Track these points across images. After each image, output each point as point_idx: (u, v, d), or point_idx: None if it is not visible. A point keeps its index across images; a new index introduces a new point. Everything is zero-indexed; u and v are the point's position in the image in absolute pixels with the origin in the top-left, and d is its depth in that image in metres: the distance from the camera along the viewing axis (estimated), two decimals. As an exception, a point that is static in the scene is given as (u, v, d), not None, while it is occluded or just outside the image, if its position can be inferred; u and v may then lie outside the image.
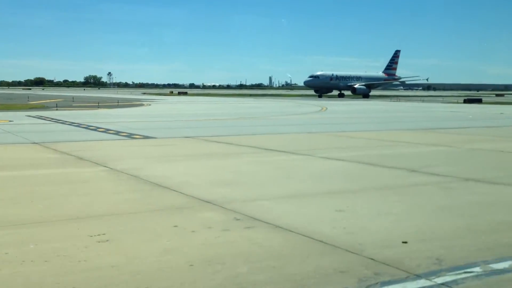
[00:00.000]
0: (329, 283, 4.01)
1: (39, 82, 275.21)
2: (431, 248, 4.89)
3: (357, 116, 31.09)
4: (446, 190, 7.89)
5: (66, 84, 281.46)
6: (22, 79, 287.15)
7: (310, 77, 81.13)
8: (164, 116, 29.60)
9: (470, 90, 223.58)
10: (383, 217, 6.17)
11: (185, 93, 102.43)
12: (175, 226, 5.62)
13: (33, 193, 7.44)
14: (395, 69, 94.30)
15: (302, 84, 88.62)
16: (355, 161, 11.21)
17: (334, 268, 4.33)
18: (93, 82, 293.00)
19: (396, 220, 6.01)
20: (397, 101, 64.88)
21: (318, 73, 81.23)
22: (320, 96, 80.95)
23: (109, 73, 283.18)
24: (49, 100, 52.27)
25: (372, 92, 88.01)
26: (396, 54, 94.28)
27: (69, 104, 44.57)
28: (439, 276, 4.16)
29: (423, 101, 64.57)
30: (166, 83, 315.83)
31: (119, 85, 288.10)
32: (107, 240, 5.08)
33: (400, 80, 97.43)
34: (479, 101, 62.81)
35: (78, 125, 20.76)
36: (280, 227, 5.62)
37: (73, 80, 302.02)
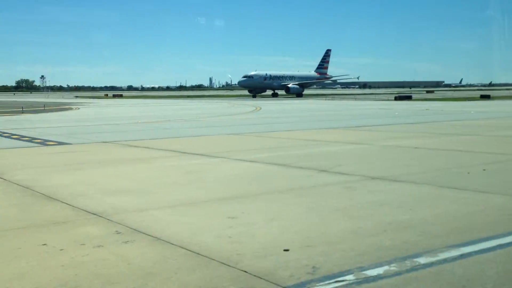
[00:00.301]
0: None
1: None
2: (311, 255, 4.68)
3: (289, 116, 31.19)
4: (348, 191, 7.77)
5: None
6: None
7: (244, 77, 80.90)
8: (89, 120, 28.62)
9: (403, 87, 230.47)
10: (275, 222, 5.93)
11: (121, 96, 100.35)
12: (44, 244, 5.17)
13: None
14: (327, 68, 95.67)
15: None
16: (269, 162, 11.01)
17: (199, 285, 4.02)
18: (25, 86, 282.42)
19: (286, 225, 5.79)
20: (331, 99, 65.85)
21: (252, 73, 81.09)
22: (254, 96, 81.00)
23: (42, 77, 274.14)
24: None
25: (309, 91, 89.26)
26: (327, 54, 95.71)
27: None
28: (308, 288, 3.93)
29: (356, 99, 65.82)
30: (103, 85, 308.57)
31: (53, 89, 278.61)
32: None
33: (332, 79, 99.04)
34: (409, 98, 64.61)
35: (-9, 133, 19.65)
36: (161, 240, 5.27)
37: (4, 84, 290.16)
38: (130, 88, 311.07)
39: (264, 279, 4.12)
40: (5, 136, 18.27)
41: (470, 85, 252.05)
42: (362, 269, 4.32)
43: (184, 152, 13.14)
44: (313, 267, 4.37)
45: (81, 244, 5.16)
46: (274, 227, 5.73)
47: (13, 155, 13.39)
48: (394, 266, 4.37)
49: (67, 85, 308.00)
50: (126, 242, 5.23)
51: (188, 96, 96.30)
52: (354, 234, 5.37)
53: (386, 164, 10.70)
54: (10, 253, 4.90)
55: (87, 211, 6.61)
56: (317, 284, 3.99)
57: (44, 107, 45.01)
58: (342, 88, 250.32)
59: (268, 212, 6.43)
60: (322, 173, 9.54)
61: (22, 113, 37.09)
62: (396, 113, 32.00)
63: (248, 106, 46.31)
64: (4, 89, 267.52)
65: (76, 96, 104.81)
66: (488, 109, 35.60)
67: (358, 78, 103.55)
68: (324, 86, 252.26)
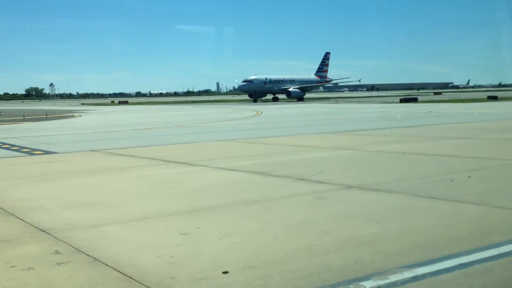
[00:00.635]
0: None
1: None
2: (249, 279, 4.30)
3: (288, 120, 30.80)
4: (319, 202, 7.38)
5: (6, 97, 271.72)
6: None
7: (244, 81, 79.90)
8: (86, 128, 28.41)
9: (412, 89, 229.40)
10: (228, 239, 5.55)
11: (126, 102, 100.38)
12: (-28, 266, 4.83)
13: None
14: (327, 71, 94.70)
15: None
16: (249, 170, 10.64)
17: (113, 315, 3.67)
18: (35, 94, 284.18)
19: (238, 243, 5.41)
20: (335, 103, 65.34)
21: (252, 77, 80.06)
22: (255, 101, 79.97)
23: (51, 84, 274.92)
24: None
25: (314, 95, 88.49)
26: (326, 57, 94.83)
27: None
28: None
29: (360, 102, 65.25)
30: (111, 92, 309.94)
31: (62, 96, 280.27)
32: None
33: (333, 82, 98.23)
34: (415, 100, 63.98)
35: (-19, 142, 19.44)
36: (98, 261, 4.91)
37: (14, 92, 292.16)
38: (138, 94, 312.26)
39: (188, 307, 3.75)
40: (-6, 146, 18.06)
41: (479, 86, 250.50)
42: (299, 294, 3.93)
43: (167, 160, 12.82)
44: (248, 292, 4.00)
45: (12, 266, 4.82)
46: (225, 244, 5.36)
47: (-8, 165, 13.13)
48: (337, 291, 3.98)
49: (77, 92, 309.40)
50: (60, 263, 4.88)
51: (193, 102, 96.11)
52: (307, 253, 4.98)
53: (369, 171, 10.29)
54: None
55: (38, 228, 6.28)
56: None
57: (46, 115, 44.93)
58: (349, 91, 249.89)
59: (225, 227, 6.06)
60: (298, 181, 9.15)
61: (24, 121, 37.01)
62: (398, 116, 31.52)
63: (249, 111, 45.98)
64: (14, 97, 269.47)
65: (83, 104, 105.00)
66: (494, 111, 34.98)
67: (359, 80, 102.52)
68: (331, 90, 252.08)
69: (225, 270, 4.51)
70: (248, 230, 5.90)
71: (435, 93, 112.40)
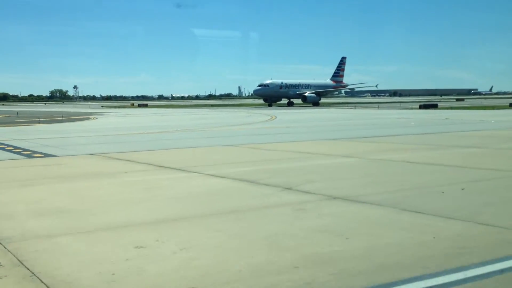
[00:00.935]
0: None
1: (3, 98, 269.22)
2: (186, 301, 3.95)
3: (301, 126, 30.38)
4: (296, 214, 7.01)
5: (31, 98, 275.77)
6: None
7: (260, 85, 78.36)
8: (96, 130, 28.36)
9: (435, 95, 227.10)
10: (182, 254, 5.22)
11: (146, 105, 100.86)
12: None
13: None
14: (342, 76, 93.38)
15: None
16: (239, 178, 10.30)
17: None
18: (59, 96, 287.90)
19: (192, 258, 5.07)
20: (353, 108, 64.63)
21: (268, 81, 78.73)
22: (270, 105, 78.68)
23: (75, 87, 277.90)
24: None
25: (333, 100, 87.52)
26: (342, 61, 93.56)
27: (11, 120, 42.91)
28: None
29: (378, 107, 64.42)
30: (134, 95, 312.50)
31: (86, 99, 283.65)
32: None
33: (349, 87, 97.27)
34: (434, 106, 62.85)
35: (-15, 144, 19.46)
36: (35, 276, 4.63)
37: (39, 94, 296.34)
38: (160, 97, 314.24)
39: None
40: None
41: (504, 93, 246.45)
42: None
43: (162, 166, 12.55)
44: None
45: None
46: (176, 260, 5.03)
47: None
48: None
49: (100, 95, 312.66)
50: (-5, 278, 4.60)
51: (212, 105, 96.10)
52: (258, 272, 4.62)
53: (363, 180, 9.87)
54: None
55: (-6, 237, 6.03)
56: None
57: (62, 117, 45.21)
58: (372, 96, 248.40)
59: (186, 240, 5.73)
60: (284, 191, 8.79)
61: (38, 123, 37.23)
62: (412, 123, 30.89)
63: (264, 115, 45.66)
64: (38, 99, 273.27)
65: (103, 106, 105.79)
66: (512, 118, 34.19)
67: (376, 86, 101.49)
68: (353, 95, 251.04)
69: (163, 291, 4.17)
70: (209, 244, 5.56)
71: (457, 100, 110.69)
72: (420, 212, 6.95)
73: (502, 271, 4.51)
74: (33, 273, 4.71)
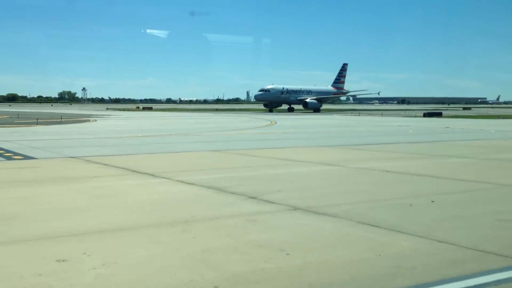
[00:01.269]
0: None
1: (12, 98, 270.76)
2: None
3: (299, 132, 30.10)
4: (245, 225, 6.68)
5: (40, 100, 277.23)
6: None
7: (261, 91, 77.46)
8: (90, 133, 28.12)
9: (443, 103, 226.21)
10: (101, 269, 4.90)
11: (150, 108, 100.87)
12: None
13: None
14: (344, 82, 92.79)
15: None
16: (207, 185, 9.99)
17: None
18: (67, 98, 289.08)
19: (107, 275, 4.75)
20: (357, 115, 64.19)
21: (269, 86, 77.98)
22: (271, 111, 77.76)
23: (84, 89, 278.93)
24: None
25: (338, 106, 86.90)
26: (344, 68, 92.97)
27: (11, 121, 42.87)
28: None
29: (382, 115, 63.95)
30: (142, 98, 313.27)
31: (94, 101, 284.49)
32: None
33: (349, 94, 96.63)
34: (439, 114, 62.29)
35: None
36: None
37: (48, 96, 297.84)
38: (168, 100, 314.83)
39: None
40: (-18, 149, 17.83)
41: (511, 102, 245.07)
42: None
43: (136, 171, 12.25)
44: None
45: None
46: (91, 276, 4.71)
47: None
48: None
49: (109, 97, 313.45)
50: None
51: (217, 110, 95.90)
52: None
53: (334, 190, 9.54)
54: None
55: None
56: None
57: (61, 118, 45.12)
58: (380, 103, 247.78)
59: (115, 253, 5.41)
60: (248, 200, 8.47)
61: (36, 124, 37.13)
62: (410, 131, 30.47)
63: (264, 120, 45.36)
64: (46, 100, 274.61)
65: (108, 108, 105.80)
66: (514, 128, 33.71)
67: (378, 93, 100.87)
68: (361, 102, 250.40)
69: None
70: (137, 259, 5.24)
71: (464, 108, 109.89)
72: (376, 226, 6.60)
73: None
74: None
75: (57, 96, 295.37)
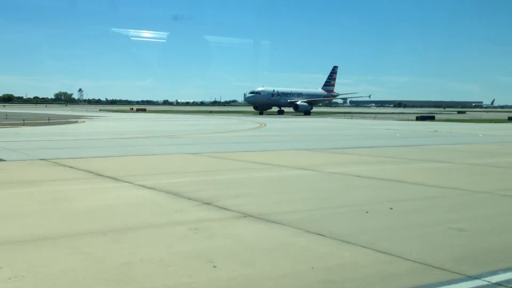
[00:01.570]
0: None
1: (7, 99, 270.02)
2: None
3: (286, 134, 29.79)
4: (186, 234, 6.33)
5: (36, 100, 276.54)
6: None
7: (251, 93, 77.16)
8: (71, 134, 27.74)
9: (440, 107, 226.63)
10: (5, 285, 4.54)
11: (144, 110, 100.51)
12: None
13: None
14: (334, 85, 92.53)
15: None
16: (165, 190, 9.63)
17: None
18: (64, 99, 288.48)
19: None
20: (349, 118, 63.92)
21: (259, 89, 77.48)
22: (261, 113, 77.21)
23: (80, 90, 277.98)
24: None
25: (333, 109, 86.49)
26: (334, 70, 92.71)
27: (-4, 122, 42.43)
28: None
29: (375, 118, 63.69)
30: (139, 99, 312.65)
31: (91, 102, 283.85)
32: None
33: (339, 96, 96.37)
34: (431, 118, 62.12)
35: None
36: None
37: (44, 96, 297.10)
38: (165, 102, 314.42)
39: None
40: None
41: (505, 106, 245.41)
42: None
43: (100, 174, 11.88)
44: None
45: None
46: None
47: None
48: None
49: (106, 98, 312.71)
50: None
51: (211, 112, 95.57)
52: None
53: (296, 196, 9.18)
54: None
55: None
56: None
57: (49, 120, 44.72)
58: (377, 106, 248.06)
59: (30, 266, 5.04)
60: (200, 206, 8.12)
61: (22, 125, 36.73)
62: (398, 135, 30.17)
63: (254, 123, 45.07)
64: (43, 101, 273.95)
65: (100, 110, 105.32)
66: (504, 133, 33.46)
67: (369, 96, 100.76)
68: (358, 105, 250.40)
69: None
70: (48, 272, 4.87)
71: (458, 112, 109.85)
72: (324, 235, 6.25)
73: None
74: None
75: (53, 97, 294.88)
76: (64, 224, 6.87)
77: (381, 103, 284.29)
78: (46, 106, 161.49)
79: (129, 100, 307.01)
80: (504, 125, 46.00)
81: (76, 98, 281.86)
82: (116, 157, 16.08)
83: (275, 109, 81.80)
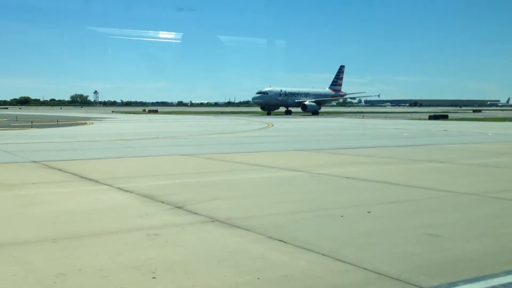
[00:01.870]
0: None
1: (24, 101, 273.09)
2: None
3: (290, 135, 29.43)
4: (142, 241, 6.03)
5: (52, 103, 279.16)
6: (9, 99, 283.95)
7: (258, 93, 76.31)
8: (73, 136, 27.63)
9: (456, 106, 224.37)
10: None
11: (156, 111, 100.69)
12: None
13: None
14: (341, 84, 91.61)
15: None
16: (142, 193, 9.35)
17: None
18: (79, 101, 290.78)
19: None
20: (360, 118, 63.27)
21: (267, 89, 76.73)
22: (269, 114, 76.57)
23: (95, 92, 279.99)
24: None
25: (346, 109, 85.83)
26: (341, 70, 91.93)
27: (7, 124, 42.64)
28: None
29: (386, 117, 62.95)
30: (154, 101, 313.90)
31: (106, 104, 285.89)
32: None
33: (347, 96, 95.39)
34: (445, 117, 61.22)
35: None
36: None
37: (61, 99, 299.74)
38: (180, 103, 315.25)
39: None
40: None
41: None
42: None
43: (84, 177, 11.64)
44: None
45: None
46: None
47: None
48: None
49: (121, 100, 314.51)
50: None
51: (222, 112, 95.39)
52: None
53: (274, 198, 8.84)
54: None
55: None
56: None
57: (57, 121, 44.84)
58: (392, 106, 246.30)
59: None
60: (170, 210, 7.82)
61: (31, 127, 36.85)
62: (405, 134, 29.61)
63: (262, 123, 44.76)
64: (59, 103, 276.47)
65: (113, 111, 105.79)
66: (514, 132, 32.76)
67: (379, 96, 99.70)
68: (373, 104, 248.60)
69: None
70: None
71: (474, 111, 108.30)
72: (284, 242, 5.91)
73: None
74: None
75: (69, 99, 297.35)
76: (18, 230, 6.60)
77: (396, 103, 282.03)
78: (61, 108, 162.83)
79: (144, 101, 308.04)
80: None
81: (92, 100, 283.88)
82: (109, 159, 15.86)
83: (282, 109, 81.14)
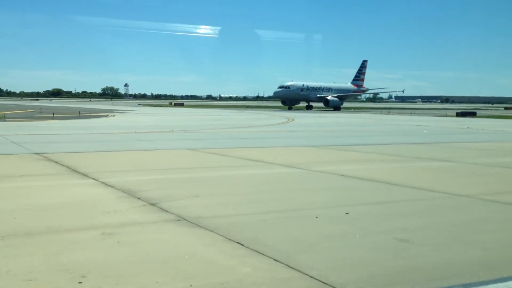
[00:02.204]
0: None
1: (57, 93, 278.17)
2: None
3: (308, 130, 29.05)
4: (94, 241, 5.74)
5: (83, 95, 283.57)
6: (42, 90, 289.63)
7: (280, 87, 75.41)
8: (91, 128, 27.68)
9: (489, 103, 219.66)
10: None
11: (182, 105, 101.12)
12: None
13: None
14: (363, 80, 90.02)
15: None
16: (123, 188, 9.05)
17: None
18: (110, 94, 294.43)
19: None
20: (386, 114, 62.24)
21: (289, 83, 75.81)
22: (290, 108, 75.63)
23: (126, 84, 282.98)
24: (14, 111, 51.05)
25: (374, 105, 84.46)
26: (363, 65, 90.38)
27: (30, 115, 43.20)
28: None
29: (411, 114, 61.77)
30: (183, 94, 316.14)
31: (136, 97, 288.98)
32: None
33: (369, 91, 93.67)
34: (473, 114, 59.85)
35: None
36: None
37: (92, 91, 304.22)
38: (209, 97, 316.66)
39: None
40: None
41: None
42: None
43: (75, 170, 11.46)
44: None
45: None
46: None
47: None
48: None
49: (151, 93, 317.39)
50: None
51: (247, 106, 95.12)
52: None
53: (256, 197, 8.50)
54: None
55: None
56: None
57: (79, 113, 45.25)
58: (423, 102, 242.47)
59: None
60: (142, 208, 7.54)
61: (52, 119, 37.28)
62: (425, 131, 28.84)
63: (283, 118, 44.35)
64: (90, 95, 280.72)
65: (139, 104, 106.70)
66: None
67: (403, 91, 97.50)
68: (403, 100, 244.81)
69: None
70: None
71: (505, 108, 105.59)
72: (241, 244, 5.55)
73: None
74: None
75: (100, 91, 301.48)
76: None
77: (428, 99, 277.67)
78: (90, 100, 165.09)
79: (173, 95, 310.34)
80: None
81: (122, 93, 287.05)
82: (113, 152, 15.74)
83: (303, 104, 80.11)
